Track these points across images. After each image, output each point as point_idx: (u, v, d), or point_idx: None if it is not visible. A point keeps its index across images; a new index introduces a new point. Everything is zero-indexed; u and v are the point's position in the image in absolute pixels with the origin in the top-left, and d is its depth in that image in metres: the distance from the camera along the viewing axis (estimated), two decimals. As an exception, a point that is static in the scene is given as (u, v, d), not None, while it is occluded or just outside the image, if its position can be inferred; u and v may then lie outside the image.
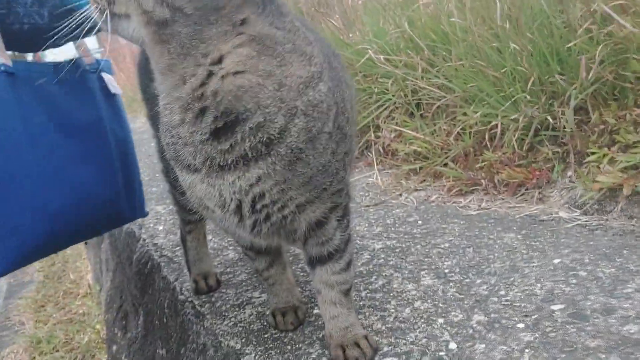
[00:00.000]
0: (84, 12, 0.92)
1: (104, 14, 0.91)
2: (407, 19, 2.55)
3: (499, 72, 1.97)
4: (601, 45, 1.69)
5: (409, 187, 2.24)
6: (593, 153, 1.70)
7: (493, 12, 2.03)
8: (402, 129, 2.41)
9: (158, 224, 2.47)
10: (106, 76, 1.53)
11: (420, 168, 2.29)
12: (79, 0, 1.24)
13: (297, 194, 1.00)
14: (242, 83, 0.89)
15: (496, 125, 2.00)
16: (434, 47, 2.38)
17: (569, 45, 1.79)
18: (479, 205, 1.92)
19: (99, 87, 1.51)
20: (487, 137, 2.04)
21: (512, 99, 1.92)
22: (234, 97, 0.90)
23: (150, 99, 1.39)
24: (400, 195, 2.20)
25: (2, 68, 1.26)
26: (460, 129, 2.15)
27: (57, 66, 1.45)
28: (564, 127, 1.80)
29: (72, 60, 1.48)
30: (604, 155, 1.67)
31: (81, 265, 4.50)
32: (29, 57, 1.60)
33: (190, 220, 1.57)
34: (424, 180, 2.24)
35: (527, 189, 1.89)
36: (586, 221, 1.62)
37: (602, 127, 1.72)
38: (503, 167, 1.93)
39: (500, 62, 1.98)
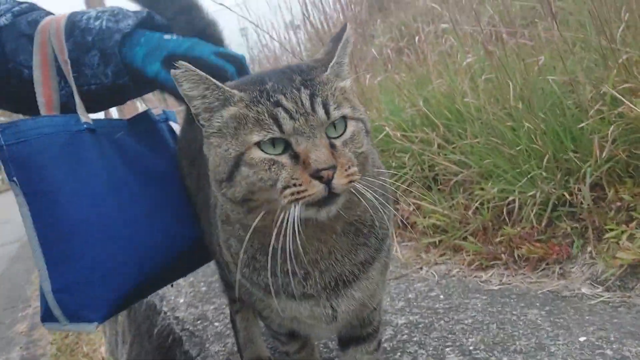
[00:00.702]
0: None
1: None
2: (422, 97, 2.67)
3: (514, 150, 2.04)
4: (613, 125, 1.76)
5: (429, 260, 2.26)
6: (611, 229, 1.73)
7: (506, 93, 2.12)
8: (420, 202, 2.46)
9: (179, 297, 2.50)
10: (174, 125, 1.65)
11: (440, 241, 2.32)
12: (136, 56, 1.34)
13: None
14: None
15: (513, 200, 2.05)
16: (449, 125, 2.47)
17: (581, 125, 1.86)
18: (500, 280, 1.93)
19: (170, 136, 1.63)
20: (505, 211, 2.08)
21: (529, 175, 1.97)
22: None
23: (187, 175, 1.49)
24: (421, 268, 2.22)
25: (85, 126, 1.36)
26: (479, 204, 2.19)
27: (130, 120, 1.56)
28: (581, 203, 1.84)
29: (143, 112, 1.60)
30: (623, 232, 1.70)
31: (95, 337, 4.46)
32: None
33: (238, 298, 1.60)
34: (444, 254, 2.26)
35: (547, 264, 1.91)
36: (609, 298, 1.62)
37: (618, 204, 1.76)
38: (522, 241, 1.96)
39: (515, 139, 2.05)
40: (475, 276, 2.03)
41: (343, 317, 1.08)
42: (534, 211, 1.97)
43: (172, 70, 0.91)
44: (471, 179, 2.28)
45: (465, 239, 2.19)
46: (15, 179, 1.25)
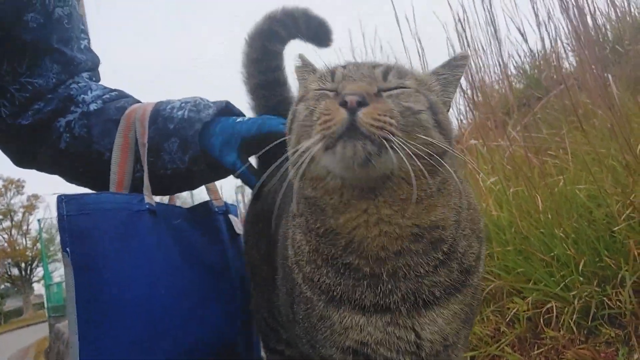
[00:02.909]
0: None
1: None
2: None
3: (547, 256, 2.08)
4: (646, 230, 1.84)
5: (462, 376, 2.15)
6: (658, 331, 1.71)
7: (535, 206, 2.22)
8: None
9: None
10: (232, 218, 1.64)
11: (472, 358, 2.23)
12: (213, 146, 1.42)
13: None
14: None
15: (550, 310, 2.03)
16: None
17: (613, 230, 1.93)
18: (546, 390, 1.84)
19: (226, 227, 1.62)
20: (541, 321, 2.05)
21: (565, 281, 1.99)
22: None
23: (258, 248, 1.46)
24: (455, 383, 2.10)
25: (147, 207, 1.37)
26: (512, 316, 2.16)
27: (190, 208, 1.58)
28: (622, 308, 1.84)
29: (204, 203, 1.62)
30: (670, 333, 1.67)
31: None
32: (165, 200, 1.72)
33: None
34: (479, 370, 2.17)
35: (594, 373, 1.83)
36: (669, 399, 1.55)
37: (661, 306, 1.76)
38: (565, 349, 1.90)
39: (548, 247, 2.10)
40: (516, 388, 1.93)
41: (427, 352, 0.98)
42: (574, 319, 1.95)
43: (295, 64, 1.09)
44: (501, 291, 2.27)
45: (502, 351, 2.12)
46: (68, 249, 1.24)
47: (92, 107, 1.50)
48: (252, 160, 1.50)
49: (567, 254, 2.03)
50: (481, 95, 4.03)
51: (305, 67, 1.10)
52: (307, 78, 1.07)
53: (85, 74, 1.55)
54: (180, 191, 1.65)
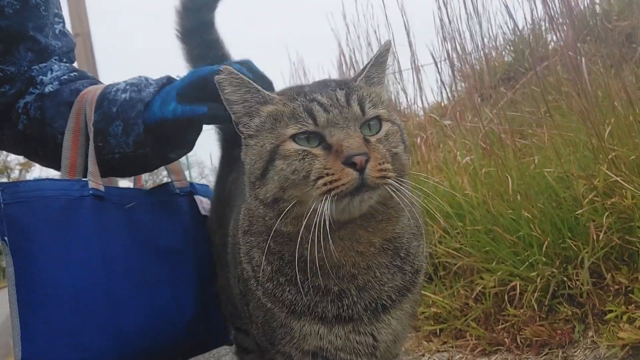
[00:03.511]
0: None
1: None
2: (422, 193, 2.81)
3: (514, 237, 2.15)
4: (607, 214, 1.90)
5: (430, 348, 2.26)
6: (611, 311, 1.79)
7: (505, 186, 2.28)
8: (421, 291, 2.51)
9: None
10: (199, 199, 1.63)
11: (441, 330, 2.33)
12: (154, 113, 1.38)
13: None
14: None
15: (514, 287, 2.11)
16: (449, 216, 2.60)
17: (577, 213, 2.00)
18: (504, 364, 1.94)
19: (189, 210, 1.61)
20: (506, 298, 2.14)
21: (529, 262, 2.07)
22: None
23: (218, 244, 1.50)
24: (423, 355, 2.22)
25: (91, 192, 1.35)
26: (479, 291, 2.25)
27: (148, 191, 1.57)
28: (580, 288, 1.92)
29: (164, 184, 1.62)
30: (623, 314, 1.76)
31: None
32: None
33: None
34: (446, 342, 2.27)
35: (550, 349, 1.93)
36: (614, 377, 1.65)
37: (617, 287, 1.84)
38: (525, 326, 2.00)
39: (515, 228, 2.17)
40: (478, 361, 2.03)
41: (381, 351, 1.05)
42: (535, 296, 2.03)
43: (216, 77, 0.97)
44: (472, 267, 2.36)
45: (467, 326, 2.22)
46: (5, 238, 1.24)
47: (48, 88, 1.48)
48: None
49: (532, 235, 2.10)
50: (469, 68, 4.03)
51: (240, 85, 0.99)
52: (248, 99, 0.99)
53: (55, 58, 1.53)
54: (137, 174, 1.63)
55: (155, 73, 1.65)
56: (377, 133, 0.97)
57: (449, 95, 3.85)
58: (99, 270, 1.32)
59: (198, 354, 1.63)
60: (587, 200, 1.99)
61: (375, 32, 4.98)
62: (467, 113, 3.18)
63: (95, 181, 1.38)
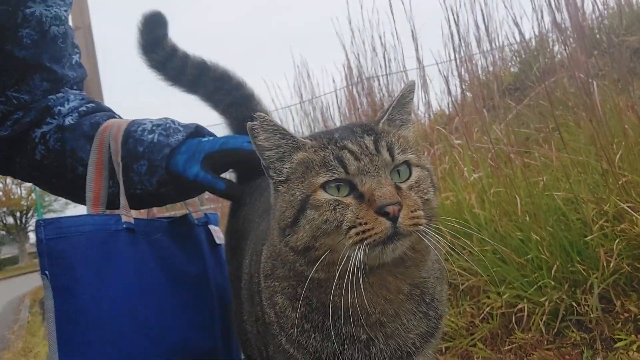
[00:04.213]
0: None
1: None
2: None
3: (523, 259, 2.15)
4: (617, 240, 1.90)
5: (436, 366, 2.26)
6: (620, 339, 1.80)
7: (514, 207, 2.28)
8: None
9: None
10: (213, 228, 1.67)
11: (447, 348, 2.34)
12: (178, 164, 1.43)
13: None
14: None
15: (522, 309, 2.12)
16: (456, 235, 2.60)
17: (586, 238, 2.00)
18: (512, 387, 1.95)
19: (206, 239, 1.64)
20: (513, 320, 2.14)
21: (537, 284, 2.07)
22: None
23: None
24: (429, 374, 2.22)
25: (125, 226, 1.39)
26: (486, 312, 2.25)
27: (170, 222, 1.60)
28: (589, 313, 1.92)
29: (184, 216, 1.64)
30: (632, 342, 1.76)
31: None
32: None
33: None
34: (451, 361, 2.27)
35: (558, 374, 1.94)
36: (624, 407, 1.65)
37: (626, 315, 1.85)
38: (533, 349, 2.00)
39: (524, 249, 2.17)
40: (485, 383, 2.04)
41: None
42: (543, 320, 2.04)
43: (249, 123, 0.96)
44: (478, 287, 2.36)
45: (473, 345, 2.22)
46: (47, 272, 1.26)
47: (68, 120, 1.50)
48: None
49: (541, 257, 2.11)
50: (475, 78, 4.03)
51: (274, 132, 0.98)
52: (282, 145, 0.98)
53: (67, 86, 1.55)
54: (151, 207, 1.68)
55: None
56: (407, 179, 0.96)
57: (455, 104, 3.84)
58: (134, 300, 1.35)
59: None
60: (597, 225, 1.99)
61: (380, 37, 4.98)
62: (475, 127, 3.17)
63: (127, 215, 1.42)
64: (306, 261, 0.94)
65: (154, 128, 1.47)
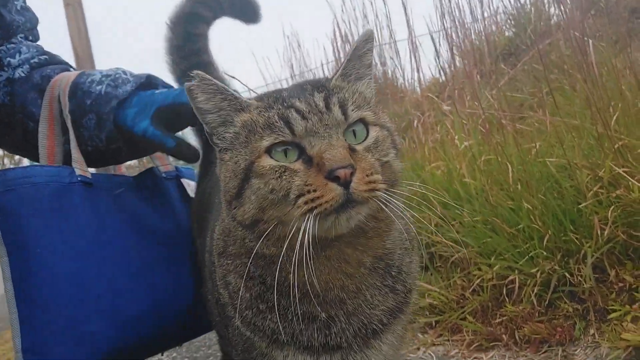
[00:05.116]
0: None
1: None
2: (419, 179, 2.72)
3: (514, 229, 2.06)
4: (612, 207, 1.81)
5: (426, 341, 2.20)
6: (615, 310, 1.72)
7: (505, 175, 2.18)
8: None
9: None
10: (186, 182, 1.60)
11: (437, 322, 2.27)
12: (127, 117, 1.34)
13: None
14: None
15: (513, 281, 2.03)
16: (447, 204, 2.50)
17: (580, 206, 1.91)
18: (502, 362, 1.88)
19: (178, 193, 1.57)
20: (504, 292, 2.06)
21: (529, 255, 1.98)
22: None
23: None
24: (418, 349, 2.15)
25: (79, 179, 1.32)
26: (477, 284, 2.17)
27: (135, 177, 1.53)
28: (582, 284, 1.84)
29: (149, 169, 1.57)
30: (627, 313, 1.69)
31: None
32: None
33: None
34: (442, 335, 2.21)
35: (549, 346, 1.86)
36: (616, 380, 1.58)
37: (620, 284, 1.76)
38: (524, 322, 1.92)
39: (515, 219, 2.08)
40: (475, 357, 1.97)
41: None
42: (535, 291, 1.96)
43: (186, 84, 0.87)
44: (469, 259, 2.27)
45: (464, 319, 2.15)
46: None
47: (18, 73, 1.43)
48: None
49: (532, 227, 2.02)
50: (468, 44, 3.89)
51: (215, 93, 0.88)
52: (224, 107, 0.88)
53: (21, 35, 1.47)
54: (108, 165, 1.60)
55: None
56: (364, 140, 0.87)
57: (447, 71, 3.72)
58: (95, 256, 1.29)
59: (197, 336, 1.63)
60: (591, 192, 1.89)
61: (372, 3, 4.83)
62: (466, 93, 3.05)
63: (81, 168, 1.35)
64: (256, 236, 0.85)
65: (103, 79, 1.38)
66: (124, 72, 1.41)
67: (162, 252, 1.45)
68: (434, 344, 2.16)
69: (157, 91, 1.38)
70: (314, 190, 0.77)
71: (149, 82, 1.41)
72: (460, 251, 2.26)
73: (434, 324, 2.27)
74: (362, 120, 0.87)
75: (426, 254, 2.51)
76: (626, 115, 1.94)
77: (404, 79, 4.56)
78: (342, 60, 0.97)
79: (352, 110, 0.86)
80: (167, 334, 1.46)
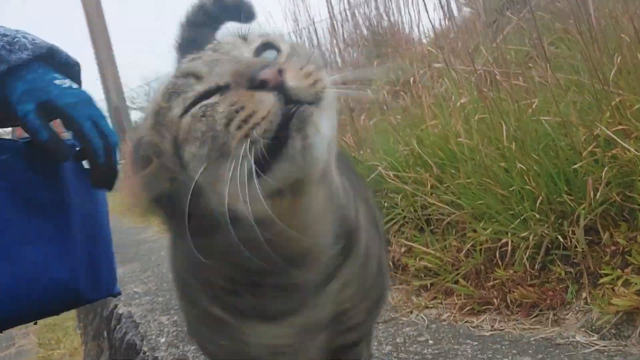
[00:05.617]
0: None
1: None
2: (415, 138, 2.64)
3: (507, 191, 1.99)
4: (606, 167, 1.73)
5: (419, 304, 2.18)
6: (606, 274, 1.67)
7: (499, 134, 2.10)
8: (412, 243, 2.40)
9: (160, 336, 2.41)
10: None
11: (431, 284, 2.24)
12: (14, 90, 1.23)
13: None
14: None
15: (506, 243, 1.99)
16: (442, 165, 2.44)
17: (575, 166, 1.83)
18: (492, 326, 1.85)
19: (73, 162, 1.44)
20: (497, 254, 2.02)
21: (522, 217, 1.93)
22: None
23: None
24: (411, 312, 2.14)
25: None
26: (471, 246, 2.13)
27: (27, 142, 1.38)
28: (575, 247, 1.79)
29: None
30: (618, 277, 1.63)
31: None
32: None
33: None
34: (435, 297, 2.19)
35: (541, 310, 1.83)
36: (604, 346, 1.55)
37: (613, 248, 1.70)
38: (515, 286, 1.89)
39: (508, 180, 2.01)
40: (466, 321, 1.95)
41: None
42: (527, 254, 1.91)
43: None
44: (464, 221, 2.23)
45: (457, 282, 2.12)
46: None
47: None
48: None
49: (526, 189, 1.95)
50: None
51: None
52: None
53: None
54: (11, 125, 1.47)
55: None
56: (278, 55, 0.75)
57: (447, 22, 3.56)
58: None
59: (77, 307, 1.55)
60: (587, 151, 1.81)
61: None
62: (469, 46, 2.91)
63: None
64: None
65: (1, 38, 1.23)
66: (25, 36, 1.26)
67: (42, 224, 1.35)
68: (427, 307, 2.15)
69: (57, 81, 1.26)
70: (242, 108, 0.61)
71: (51, 55, 1.27)
72: (453, 213, 2.21)
73: (428, 286, 2.25)
74: (270, 44, 0.76)
75: (422, 216, 2.48)
76: (625, 67, 1.82)
77: (410, 28, 4.40)
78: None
79: (270, 52, 0.74)
80: (40, 307, 1.38)
